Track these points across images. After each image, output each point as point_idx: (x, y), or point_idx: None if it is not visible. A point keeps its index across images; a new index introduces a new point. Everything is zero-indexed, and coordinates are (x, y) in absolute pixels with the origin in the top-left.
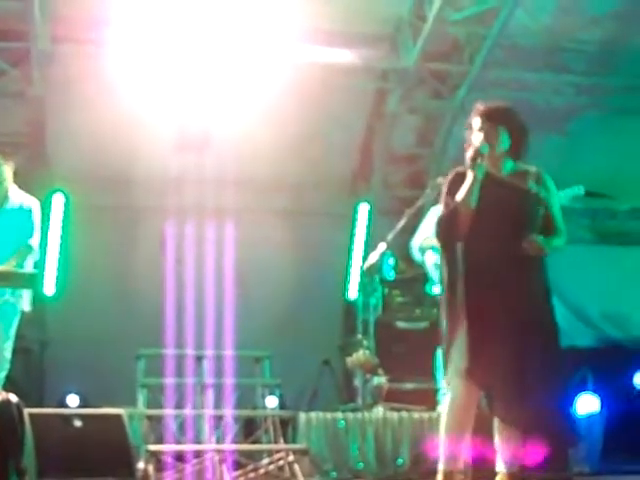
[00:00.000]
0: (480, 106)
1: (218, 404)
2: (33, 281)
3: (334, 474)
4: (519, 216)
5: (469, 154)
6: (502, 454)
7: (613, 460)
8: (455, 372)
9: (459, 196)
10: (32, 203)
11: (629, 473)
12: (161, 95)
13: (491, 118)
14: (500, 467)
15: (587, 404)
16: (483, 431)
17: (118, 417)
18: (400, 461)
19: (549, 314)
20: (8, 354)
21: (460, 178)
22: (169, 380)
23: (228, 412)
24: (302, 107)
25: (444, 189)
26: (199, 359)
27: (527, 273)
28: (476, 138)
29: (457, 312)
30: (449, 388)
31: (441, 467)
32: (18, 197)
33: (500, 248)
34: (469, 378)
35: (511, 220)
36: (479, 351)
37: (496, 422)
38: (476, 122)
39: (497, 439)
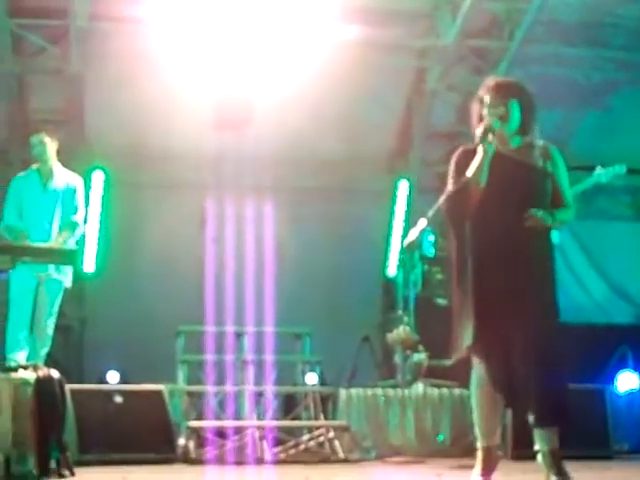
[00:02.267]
0: (491, 81)
1: (258, 381)
2: (73, 258)
3: (374, 450)
4: (527, 192)
5: (480, 130)
6: (536, 432)
7: None
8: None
9: (469, 173)
10: (76, 181)
11: None
12: (199, 72)
13: (503, 93)
14: (539, 445)
15: (627, 381)
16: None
17: (159, 393)
18: (440, 437)
19: (552, 292)
20: (50, 331)
21: (468, 155)
22: (209, 356)
23: (268, 388)
24: (341, 85)
25: (451, 166)
26: (239, 336)
27: (534, 251)
28: (488, 113)
29: (466, 289)
30: (473, 366)
31: (479, 443)
32: (62, 175)
33: (508, 225)
34: (474, 354)
35: (519, 196)
36: (484, 328)
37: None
38: (487, 97)
39: (529, 418)
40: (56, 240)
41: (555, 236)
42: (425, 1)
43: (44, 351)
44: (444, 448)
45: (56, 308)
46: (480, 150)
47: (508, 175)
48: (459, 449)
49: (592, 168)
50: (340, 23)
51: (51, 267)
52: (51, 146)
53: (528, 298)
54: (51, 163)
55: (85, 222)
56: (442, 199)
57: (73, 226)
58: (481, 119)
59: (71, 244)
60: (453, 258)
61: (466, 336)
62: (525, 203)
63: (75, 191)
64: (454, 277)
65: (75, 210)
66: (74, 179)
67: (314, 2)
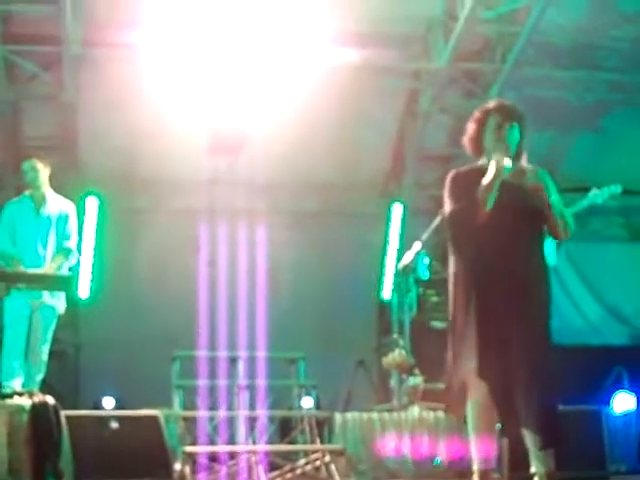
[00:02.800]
0: (499, 103)
1: (253, 405)
2: (67, 284)
3: (370, 474)
4: (525, 215)
5: (499, 151)
6: (532, 455)
7: None
8: (471, 371)
9: (481, 192)
10: (69, 207)
11: None
12: (193, 98)
13: (514, 116)
14: (535, 468)
15: (623, 402)
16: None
17: (154, 418)
18: (437, 461)
19: (547, 315)
20: (45, 357)
21: (467, 176)
22: (204, 381)
23: (263, 413)
24: (334, 108)
25: (449, 187)
26: (233, 361)
27: (532, 273)
28: (503, 135)
29: (469, 310)
30: (470, 389)
31: (476, 467)
32: (55, 200)
33: (507, 247)
34: (479, 377)
35: (518, 220)
36: (488, 351)
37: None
38: (499, 119)
39: (526, 440)
40: (50, 266)
41: (551, 258)
42: (418, 24)
43: (39, 377)
44: (440, 471)
45: (50, 334)
46: (493, 170)
47: (506, 198)
48: (455, 472)
49: (585, 189)
50: (334, 46)
51: (45, 293)
52: (44, 172)
53: (526, 320)
54: (44, 189)
55: (79, 248)
56: (448, 218)
57: (67, 252)
58: (478, 138)
59: (65, 270)
60: (456, 278)
61: (469, 358)
62: (523, 226)
63: (68, 217)
64: (459, 298)
65: (68, 236)
66: (67, 205)
67: (308, 26)
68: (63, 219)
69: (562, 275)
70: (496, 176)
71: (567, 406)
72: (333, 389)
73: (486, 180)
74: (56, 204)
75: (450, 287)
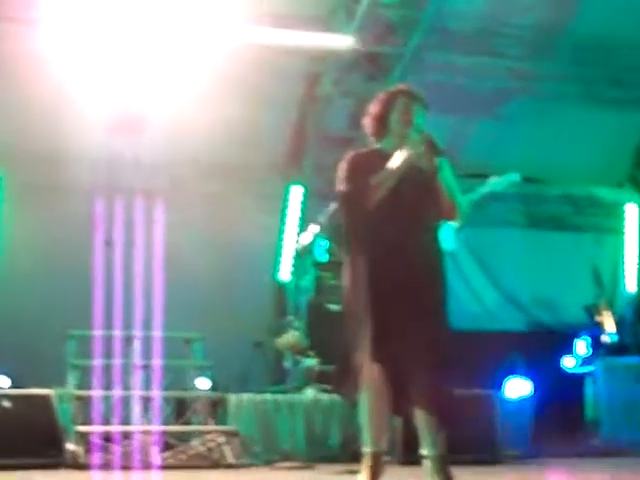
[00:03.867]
0: (410, 88)
1: (148, 385)
2: None
3: (263, 456)
4: (421, 196)
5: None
6: (423, 437)
7: (543, 443)
8: (365, 354)
9: (381, 177)
10: None
11: (558, 456)
12: (95, 75)
13: (422, 102)
14: (425, 450)
15: (518, 388)
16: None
17: (47, 398)
18: (330, 443)
19: (443, 299)
20: None
21: (362, 159)
22: (99, 361)
23: (158, 393)
24: (235, 89)
25: (346, 168)
26: (128, 340)
27: (426, 257)
28: (416, 120)
29: (363, 294)
30: (363, 372)
31: (366, 449)
32: None
33: (402, 230)
34: (373, 360)
35: (413, 201)
36: (382, 335)
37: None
38: (412, 104)
39: (417, 423)
40: None
41: (448, 243)
42: (321, 6)
43: None
44: (334, 453)
45: None
46: (401, 159)
47: (404, 182)
48: (349, 454)
49: (485, 176)
50: (235, 27)
51: None
52: None
53: (422, 304)
54: None
55: None
56: (342, 200)
57: None
58: (384, 119)
59: None
60: (351, 261)
61: (363, 341)
62: (418, 210)
63: None
64: (354, 281)
65: None
66: None
67: (209, 6)
68: None
69: (460, 261)
70: (403, 166)
71: (462, 390)
72: (229, 370)
73: (392, 166)
74: None
75: (345, 270)
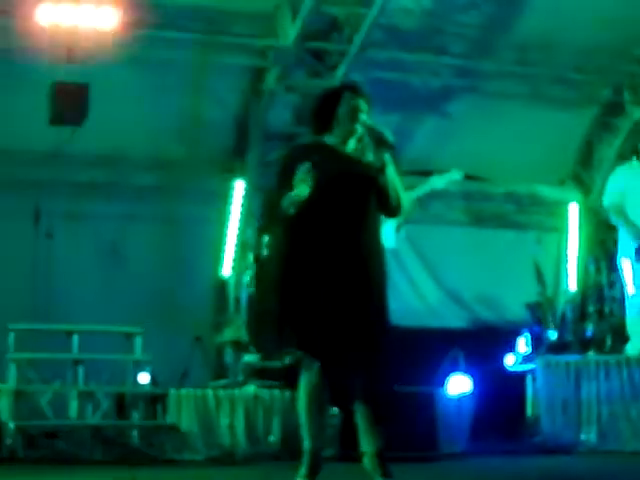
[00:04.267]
0: (356, 83)
1: (88, 380)
2: None
3: (204, 451)
4: (362, 192)
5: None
6: (362, 434)
7: (483, 440)
8: (304, 349)
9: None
10: None
11: (498, 453)
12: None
13: (367, 98)
14: (364, 447)
15: (459, 385)
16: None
17: None
18: (271, 439)
19: (384, 295)
20: None
21: (300, 153)
22: (40, 355)
23: (98, 388)
24: (179, 84)
25: (280, 166)
26: (69, 335)
27: (366, 252)
28: (363, 117)
29: (302, 288)
30: (302, 368)
31: (305, 445)
32: None
33: (341, 225)
34: (312, 355)
35: (354, 196)
36: (322, 330)
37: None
38: (360, 101)
39: (356, 419)
40: None
41: (389, 240)
42: (266, 2)
43: None
44: (274, 449)
45: None
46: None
47: (341, 170)
48: (289, 450)
49: (428, 173)
50: (179, 21)
51: None
52: None
53: (362, 299)
54: None
55: None
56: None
57: None
58: (328, 114)
59: None
60: (289, 256)
61: (302, 336)
62: (361, 203)
63: None
64: (292, 276)
65: None
66: None
67: None
68: None
69: (402, 258)
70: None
71: (403, 387)
72: (170, 365)
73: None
74: None
75: (282, 266)
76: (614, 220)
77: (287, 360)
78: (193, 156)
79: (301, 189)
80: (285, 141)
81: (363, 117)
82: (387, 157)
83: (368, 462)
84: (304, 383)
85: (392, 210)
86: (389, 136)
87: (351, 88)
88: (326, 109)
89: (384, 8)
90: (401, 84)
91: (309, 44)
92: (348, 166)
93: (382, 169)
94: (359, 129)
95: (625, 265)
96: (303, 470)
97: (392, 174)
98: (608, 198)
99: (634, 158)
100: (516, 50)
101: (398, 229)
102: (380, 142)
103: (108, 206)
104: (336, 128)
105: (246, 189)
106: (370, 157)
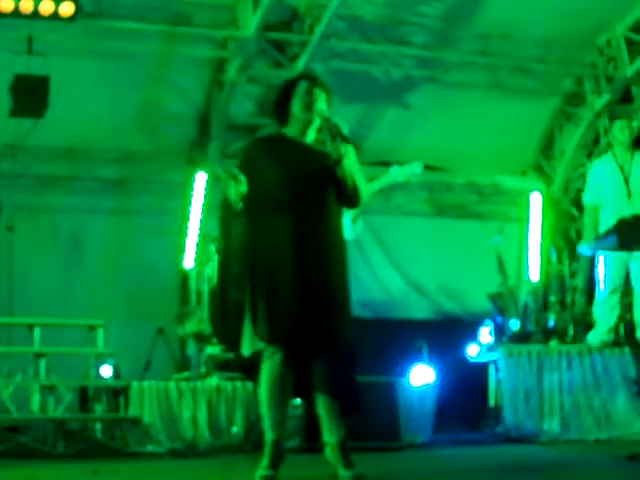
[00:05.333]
0: (312, 73)
1: (50, 374)
2: None
3: (166, 443)
4: (320, 182)
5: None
6: (325, 424)
7: (446, 430)
8: (266, 340)
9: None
10: None
11: (461, 443)
12: None
13: (324, 87)
14: (326, 437)
15: (422, 375)
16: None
17: None
18: (234, 430)
19: (346, 286)
20: None
21: (260, 146)
22: (0, 349)
23: (61, 382)
24: (141, 75)
25: (240, 159)
26: (31, 327)
27: (327, 243)
28: (319, 106)
29: (264, 280)
30: (264, 359)
31: (267, 436)
32: None
33: (300, 216)
34: (275, 345)
35: (312, 186)
36: (284, 320)
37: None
38: (317, 90)
39: (318, 409)
40: None
41: (349, 232)
42: None
43: None
44: (237, 441)
45: None
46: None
47: (298, 160)
48: (252, 442)
49: (390, 164)
50: (140, 12)
51: None
52: None
53: (324, 291)
54: None
55: None
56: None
57: None
58: (286, 105)
59: None
60: (251, 248)
61: (260, 328)
62: (316, 189)
63: None
64: (255, 268)
65: None
66: None
67: None
68: None
69: (365, 249)
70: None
71: (366, 377)
72: (132, 357)
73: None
74: None
75: (245, 257)
76: (584, 219)
77: (246, 352)
78: (155, 148)
79: (239, 185)
80: (247, 132)
81: (319, 107)
82: (349, 148)
83: (330, 453)
84: (265, 374)
85: (350, 201)
86: (344, 128)
87: (305, 77)
88: (282, 101)
89: None
90: (362, 75)
91: (270, 35)
92: (306, 157)
93: (339, 160)
94: (316, 119)
95: (599, 258)
96: (265, 461)
97: (350, 165)
98: (585, 197)
99: (609, 152)
100: (477, 41)
101: (355, 220)
102: (335, 134)
103: (69, 198)
104: (293, 119)
105: (208, 181)
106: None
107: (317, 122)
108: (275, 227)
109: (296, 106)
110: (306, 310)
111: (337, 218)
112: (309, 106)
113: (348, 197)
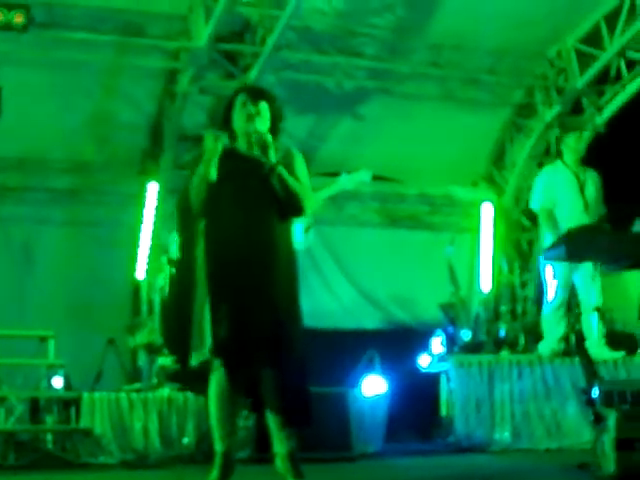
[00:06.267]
0: (242, 84)
1: (2, 385)
2: None
3: (118, 455)
4: (263, 189)
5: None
6: (274, 434)
7: (398, 441)
8: (214, 351)
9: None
10: None
11: (412, 453)
12: None
13: (253, 95)
14: (276, 448)
15: (374, 385)
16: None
17: None
18: (185, 441)
19: (295, 295)
20: None
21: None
22: None
23: (12, 393)
24: (92, 85)
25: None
26: None
27: (280, 255)
28: (239, 113)
29: (209, 292)
30: (212, 371)
31: (217, 448)
32: None
33: (245, 223)
34: (216, 357)
35: (255, 193)
36: (230, 331)
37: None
38: (245, 99)
39: (268, 420)
40: None
41: (300, 242)
42: (179, 3)
43: None
44: (188, 452)
45: None
46: (211, 146)
47: (243, 172)
48: (203, 453)
49: (337, 174)
50: (92, 22)
51: None
52: None
53: (273, 302)
54: None
55: None
56: (182, 198)
57: None
58: (226, 119)
59: None
60: (198, 258)
61: (207, 339)
62: (260, 200)
63: None
64: (199, 279)
65: None
66: None
67: None
68: None
69: (317, 258)
70: (211, 152)
71: (317, 388)
72: (84, 368)
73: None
74: None
75: (192, 268)
76: (542, 224)
77: (194, 363)
78: (107, 158)
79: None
80: (199, 143)
81: (252, 119)
82: (298, 157)
83: (280, 463)
84: (214, 386)
85: (289, 209)
86: (268, 139)
87: (243, 89)
88: (221, 113)
89: (297, 10)
90: (314, 86)
91: (222, 45)
92: (245, 167)
93: (273, 170)
94: (251, 130)
95: (547, 269)
96: (215, 473)
97: (286, 175)
98: (537, 202)
99: (558, 160)
100: (429, 52)
101: (307, 230)
102: (265, 145)
103: (21, 209)
104: (233, 130)
105: (160, 191)
106: (272, 157)
107: (252, 133)
108: (222, 237)
109: (235, 120)
110: (249, 323)
111: (283, 227)
112: (247, 118)
113: (286, 205)
